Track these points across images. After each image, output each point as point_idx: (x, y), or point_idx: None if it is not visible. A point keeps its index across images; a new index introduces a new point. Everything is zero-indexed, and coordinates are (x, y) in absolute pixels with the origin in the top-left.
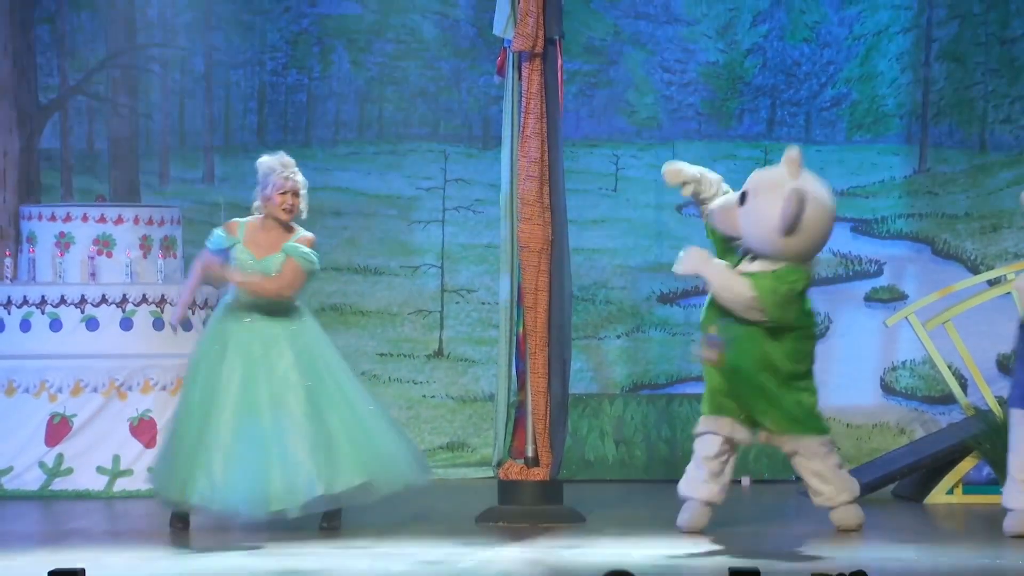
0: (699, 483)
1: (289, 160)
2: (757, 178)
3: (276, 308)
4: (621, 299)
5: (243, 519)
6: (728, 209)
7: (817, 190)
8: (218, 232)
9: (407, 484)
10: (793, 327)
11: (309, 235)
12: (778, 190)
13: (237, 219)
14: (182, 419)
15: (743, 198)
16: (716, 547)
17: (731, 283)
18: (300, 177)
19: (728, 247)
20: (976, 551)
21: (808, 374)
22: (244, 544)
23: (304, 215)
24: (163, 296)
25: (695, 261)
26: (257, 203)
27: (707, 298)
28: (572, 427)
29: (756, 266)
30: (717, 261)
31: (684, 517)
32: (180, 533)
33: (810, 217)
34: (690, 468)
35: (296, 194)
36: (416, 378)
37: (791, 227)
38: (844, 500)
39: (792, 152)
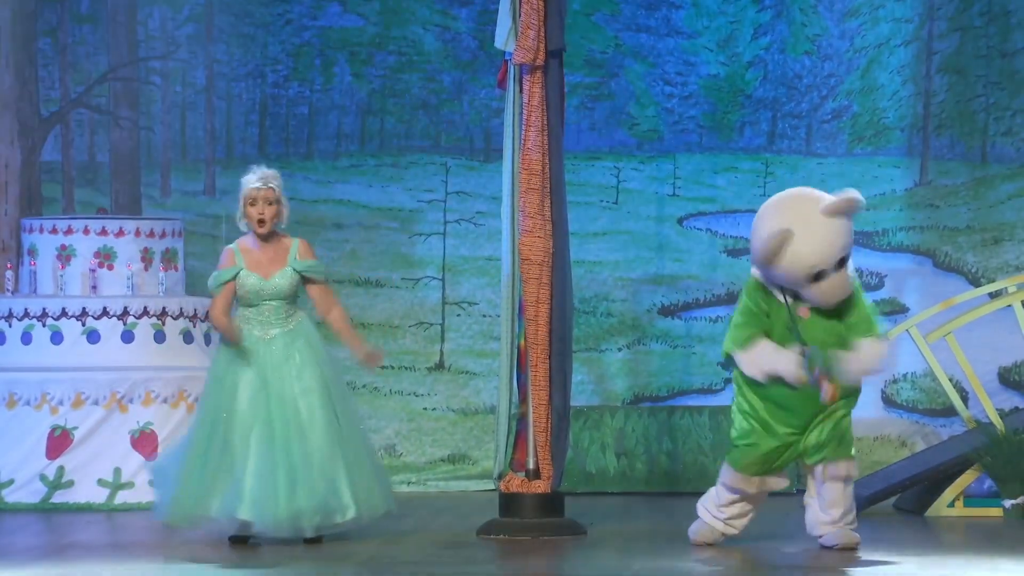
0: (718, 521)
1: (264, 172)
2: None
3: (287, 321)
4: (622, 311)
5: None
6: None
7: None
8: (216, 273)
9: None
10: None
11: (303, 241)
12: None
13: (227, 246)
14: (203, 439)
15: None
16: (718, 560)
17: (871, 358)
18: (274, 184)
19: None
20: (977, 564)
21: None
22: (243, 557)
23: (283, 223)
24: (164, 309)
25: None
26: (240, 221)
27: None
28: (573, 439)
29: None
30: (844, 356)
31: (696, 529)
32: (239, 548)
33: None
34: (713, 500)
35: (269, 202)
36: (417, 391)
37: (764, 258)
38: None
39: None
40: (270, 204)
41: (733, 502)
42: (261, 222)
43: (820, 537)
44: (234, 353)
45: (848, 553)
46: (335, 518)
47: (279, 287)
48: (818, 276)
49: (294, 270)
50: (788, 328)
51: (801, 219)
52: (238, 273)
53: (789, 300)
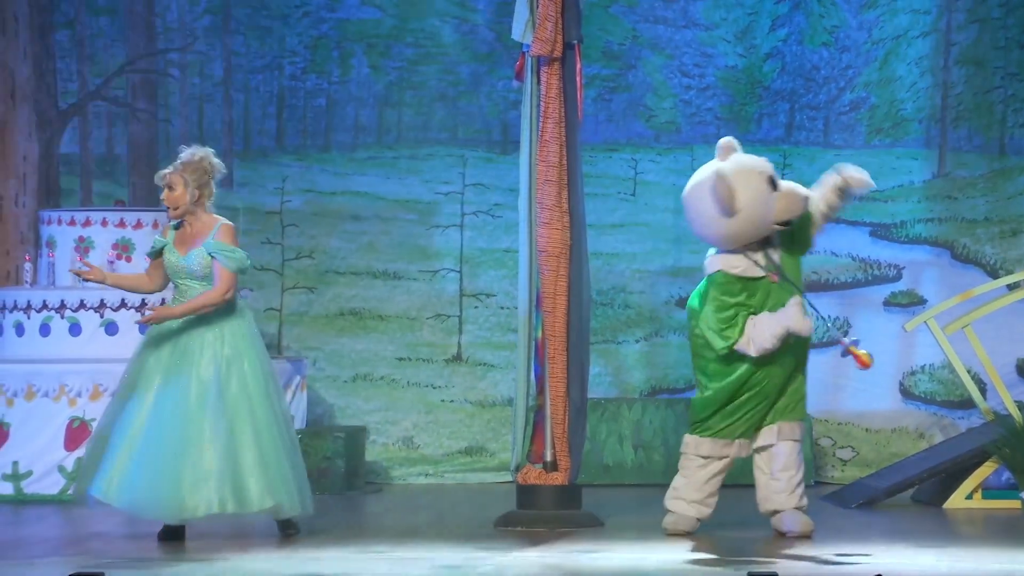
0: (694, 503)
1: (182, 155)
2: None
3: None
4: (639, 303)
5: (146, 519)
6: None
7: (738, 163)
8: (156, 238)
9: (295, 513)
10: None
11: (227, 224)
12: (704, 181)
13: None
14: (107, 417)
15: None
16: (734, 551)
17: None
18: (168, 170)
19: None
20: (996, 556)
21: None
22: (262, 548)
23: (206, 203)
24: None
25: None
26: None
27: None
28: (590, 431)
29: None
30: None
31: (671, 520)
32: (171, 546)
33: (742, 190)
34: (682, 486)
35: (171, 187)
36: (435, 383)
37: (726, 209)
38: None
39: (723, 140)
40: (171, 188)
41: (715, 473)
42: (170, 207)
43: (774, 515)
44: (154, 333)
45: (865, 545)
46: (231, 506)
47: (189, 267)
48: (773, 182)
49: (209, 254)
50: (768, 296)
51: (712, 166)
52: (163, 247)
53: (761, 263)
